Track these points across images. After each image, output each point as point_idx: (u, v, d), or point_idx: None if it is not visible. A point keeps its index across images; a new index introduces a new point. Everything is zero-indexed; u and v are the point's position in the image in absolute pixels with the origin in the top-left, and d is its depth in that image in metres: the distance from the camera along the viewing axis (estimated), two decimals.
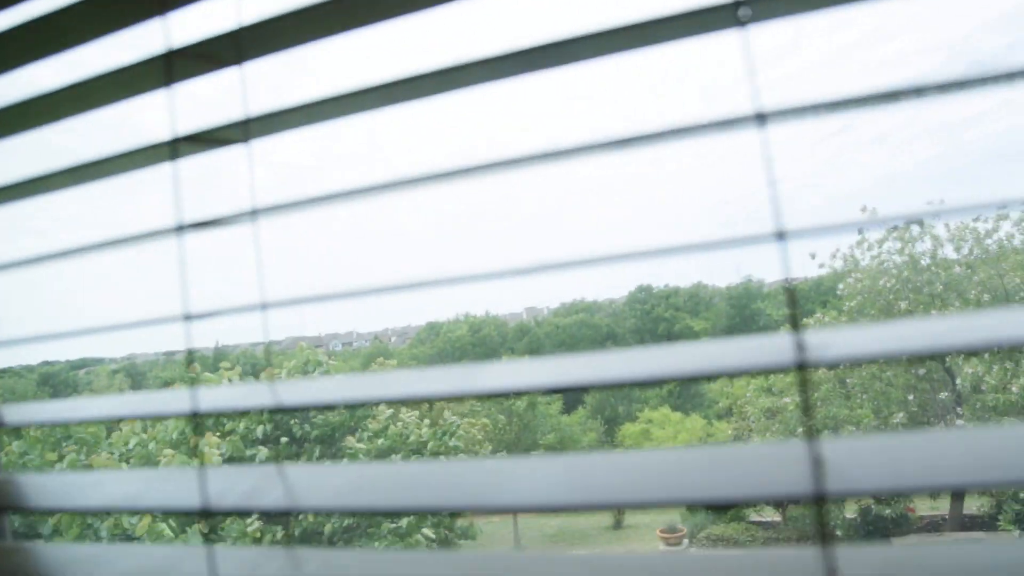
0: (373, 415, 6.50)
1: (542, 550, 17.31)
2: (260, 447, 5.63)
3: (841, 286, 13.04)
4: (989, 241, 12.19)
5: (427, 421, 7.11)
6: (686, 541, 13.71)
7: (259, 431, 5.74)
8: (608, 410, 36.48)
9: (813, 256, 13.57)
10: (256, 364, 65.20)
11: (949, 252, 12.48)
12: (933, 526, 13.21)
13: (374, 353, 58.54)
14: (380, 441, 6.59)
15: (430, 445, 6.58)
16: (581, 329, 53.66)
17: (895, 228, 12.61)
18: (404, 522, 6.00)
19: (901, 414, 11.54)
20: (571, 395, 45.49)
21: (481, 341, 53.96)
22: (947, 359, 11.56)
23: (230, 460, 5.62)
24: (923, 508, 12.54)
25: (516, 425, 17.77)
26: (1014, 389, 10.08)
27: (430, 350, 54.93)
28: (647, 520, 19.26)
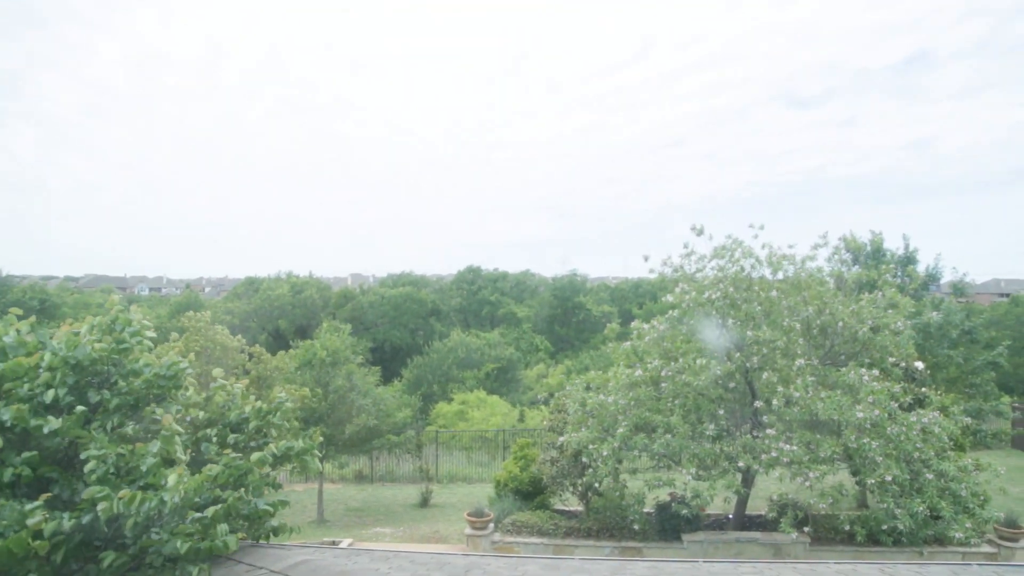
0: (184, 384, 5.88)
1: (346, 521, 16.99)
2: (50, 417, 4.92)
3: (669, 296, 13.56)
4: (801, 269, 13.25)
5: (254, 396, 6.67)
6: (491, 526, 13.91)
7: (49, 396, 5.00)
8: (424, 387, 36.49)
9: (646, 259, 13.92)
10: (47, 301, 59.16)
11: (767, 273, 13.43)
12: (718, 524, 14.29)
13: (185, 303, 54.95)
14: (200, 414, 6.06)
15: (252, 424, 6.13)
16: (406, 302, 53.21)
17: (723, 246, 13.40)
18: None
19: (712, 426, 12.28)
20: (390, 367, 45.15)
21: (302, 303, 52.14)
22: (749, 373, 12.47)
23: (12, 431, 4.88)
24: (711, 508, 13.44)
25: (332, 397, 17.20)
26: (819, 405, 11.02)
27: (247, 306, 52.37)
28: (454, 500, 19.43)
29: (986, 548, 13.25)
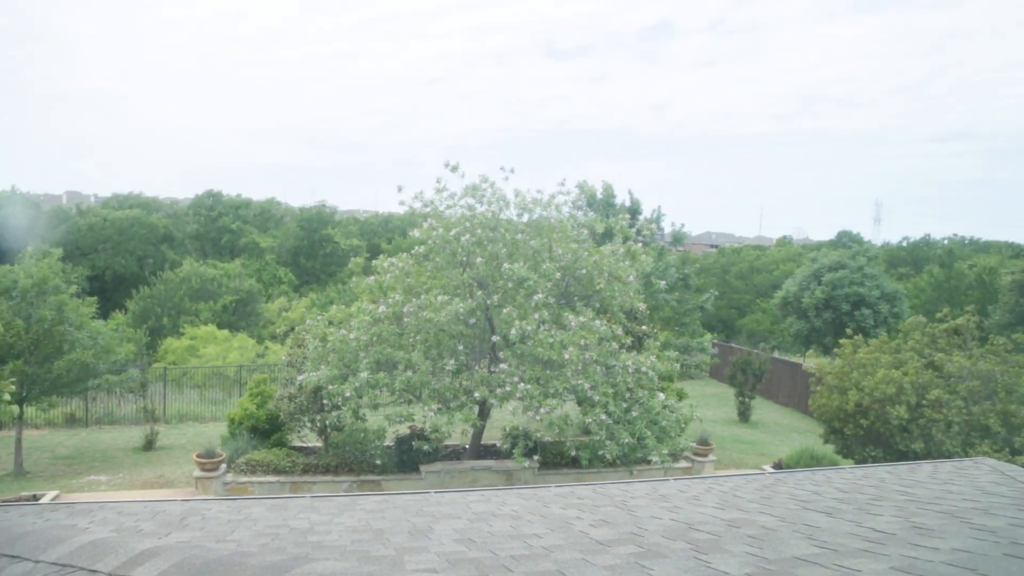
0: None
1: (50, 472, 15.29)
2: None
3: (416, 231, 13.53)
4: (552, 212, 13.85)
5: None
6: (224, 466, 13.29)
7: None
8: (152, 320, 33.59)
9: (400, 189, 13.67)
10: None
11: (514, 215, 13.89)
12: (455, 454, 14.89)
13: None
14: None
15: None
16: (134, 226, 48.17)
17: (475, 185, 13.59)
18: None
19: (452, 361, 12.57)
20: (112, 299, 40.96)
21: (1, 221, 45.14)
22: (490, 310, 12.92)
23: None
24: (449, 439, 13.89)
25: (36, 330, 15.16)
26: (555, 356, 11.62)
27: None
28: (183, 441, 18.26)
29: (684, 464, 15.20)
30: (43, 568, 2.73)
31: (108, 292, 42.96)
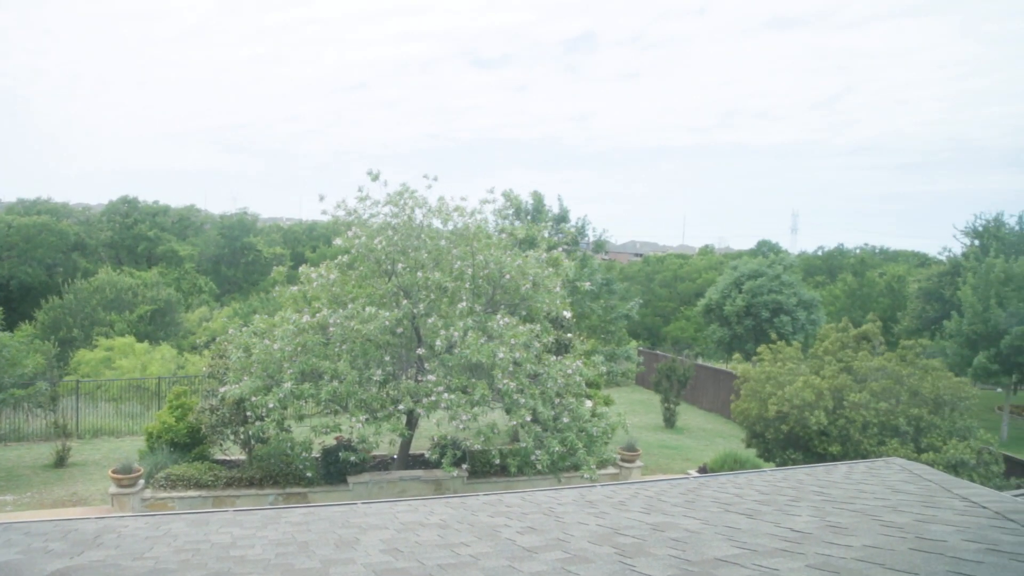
0: None
1: None
2: None
3: (339, 240, 13.39)
4: (476, 219, 13.86)
5: None
6: (142, 482, 12.80)
7: None
8: (63, 331, 32.12)
9: (322, 198, 13.58)
10: None
11: (437, 223, 13.85)
12: (384, 465, 14.73)
13: None
14: None
15: None
16: (41, 233, 46.00)
17: (397, 192, 13.52)
18: None
19: (379, 371, 12.44)
20: (18, 309, 39.01)
21: None
22: (416, 319, 12.84)
23: None
24: (377, 450, 13.72)
25: None
26: (484, 359, 11.59)
27: None
28: (98, 457, 17.50)
29: (611, 470, 15.40)
30: None
31: (14, 302, 40.91)
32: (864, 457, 12.44)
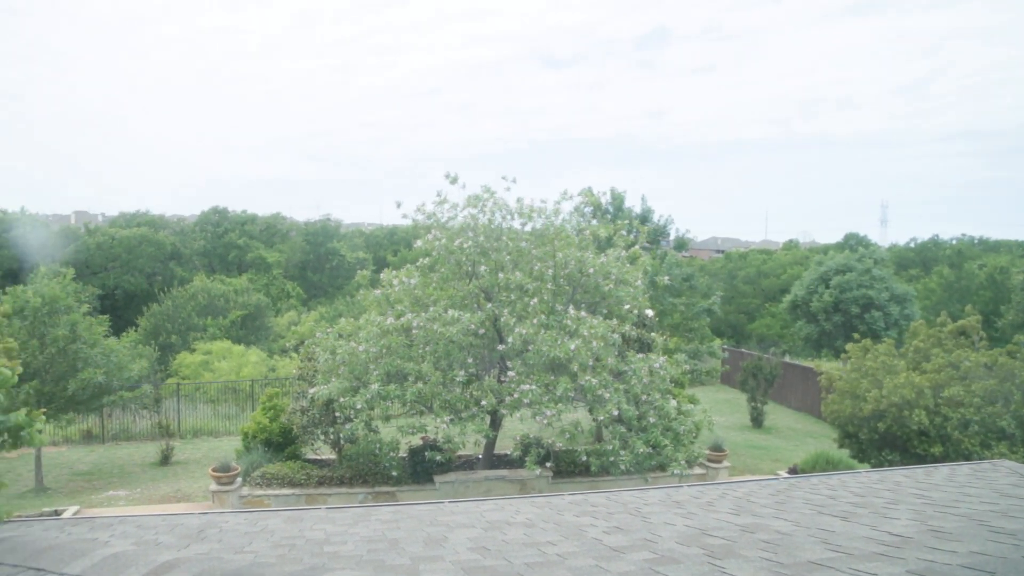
0: None
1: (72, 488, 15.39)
2: None
3: (420, 242, 13.61)
4: (555, 219, 13.88)
5: None
6: (239, 480, 13.35)
7: None
8: (163, 336, 33.76)
9: (399, 205, 13.93)
10: None
11: (517, 224, 13.93)
12: (469, 464, 14.91)
13: None
14: None
15: None
16: (142, 244, 48.51)
17: (476, 195, 13.66)
18: None
19: (462, 372, 12.59)
20: (123, 316, 41.18)
21: (10, 243, 45.49)
22: (499, 320, 12.93)
23: None
24: (463, 449, 13.91)
25: (51, 350, 15.30)
26: (560, 353, 11.58)
27: None
28: (199, 456, 18.35)
29: (698, 470, 15.15)
30: None
31: (119, 310, 43.26)
32: (967, 459, 11.87)
